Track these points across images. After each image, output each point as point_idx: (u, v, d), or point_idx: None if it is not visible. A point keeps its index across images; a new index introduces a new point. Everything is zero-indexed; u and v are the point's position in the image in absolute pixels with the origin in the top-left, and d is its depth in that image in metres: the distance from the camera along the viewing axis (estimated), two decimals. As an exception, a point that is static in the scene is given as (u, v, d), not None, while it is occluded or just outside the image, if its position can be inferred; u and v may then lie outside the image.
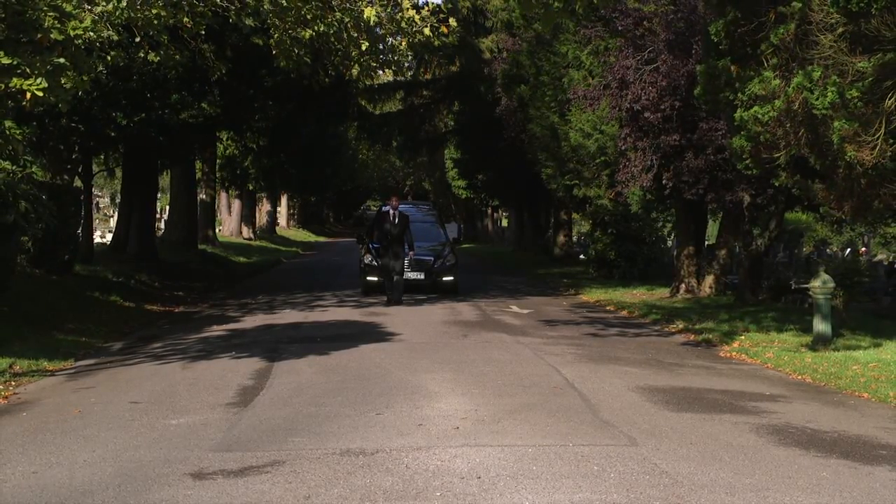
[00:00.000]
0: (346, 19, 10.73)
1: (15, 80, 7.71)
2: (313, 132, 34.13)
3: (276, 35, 11.27)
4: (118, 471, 6.07)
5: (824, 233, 39.63)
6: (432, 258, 20.22)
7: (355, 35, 10.99)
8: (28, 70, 7.79)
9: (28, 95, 7.87)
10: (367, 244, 20.21)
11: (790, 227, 28.69)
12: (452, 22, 11.15)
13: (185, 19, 10.57)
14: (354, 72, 12.09)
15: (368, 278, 19.62)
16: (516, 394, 8.80)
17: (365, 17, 10.40)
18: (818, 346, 11.87)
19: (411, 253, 18.34)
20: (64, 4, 8.27)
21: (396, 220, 18.27)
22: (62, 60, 8.11)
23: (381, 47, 12.04)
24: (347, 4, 10.64)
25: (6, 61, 7.57)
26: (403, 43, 11.48)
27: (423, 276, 19.78)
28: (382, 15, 10.45)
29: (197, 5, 10.60)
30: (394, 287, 17.72)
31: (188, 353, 11.42)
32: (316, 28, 10.87)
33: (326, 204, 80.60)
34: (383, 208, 20.59)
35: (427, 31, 10.83)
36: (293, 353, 11.24)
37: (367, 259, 19.74)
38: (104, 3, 8.98)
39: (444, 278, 20.09)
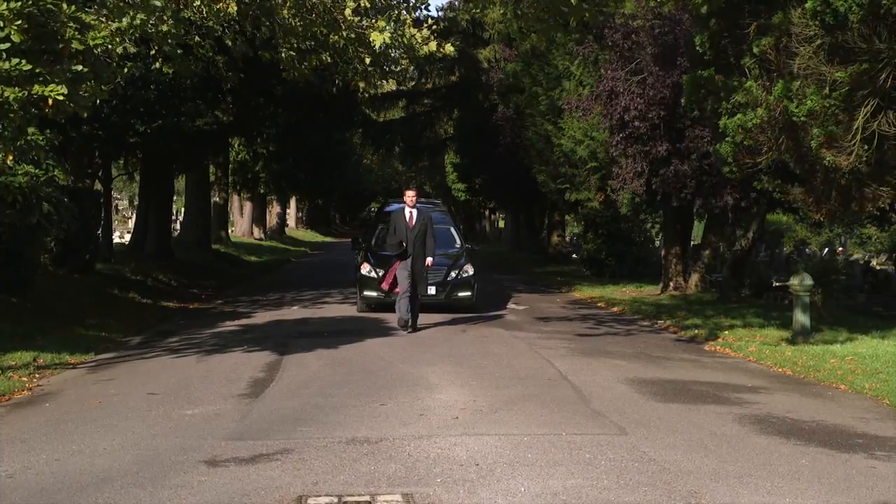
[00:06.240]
0: (352, 35, 10.72)
1: (36, 87, 7.71)
2: (320, 138, 34.13)
3: (283, 52, 11.28)
4: (136, 458, 6.07)
5: (804, 233, 39.59)
6: (446, 268, 15.63)
7: (361, 50, 10.98)
8: (49, 78, 7.79)
9: (49, 102, 7.87)
10: (364, 250, 16.44)
11: (771, 228, 28.72)
12: (449, 47, 11.12)
13: (195, 39, 10.59)
14: (361, 85, 12.09)
15: (367, 293, 15.38)
16: (512, 385, 8.80)
17: (372, 40, 10.36)
18: (798, 341, 11.87)
19: (430, 260, 13.44)
20: (84, 16, 8.27)
21: (414, 221, 13.31)
22: (81, 68, 8.10)
23: (383, 60, 12.02)
24: (354, 24, 10.62)
25: (27, 68, 7.57)
26: (405, 60, 11.47)
27: (433, 292, 15.09)
28: (388, 41, 10.41)
29: (206, 23, 10.61)
30: (411, 308, 13.06)
31: (203, 347, 11.42)
32: (323, 53, 10.91)
33: (333, 206, 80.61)
34: (387, 208, 16.93)
35: (426, 48, 10.82)
36: (302, 347, 11.23)
37: (366, 269, 15.43)
38: (119, 21, 8.97)
39: (460, 293, 15.71)
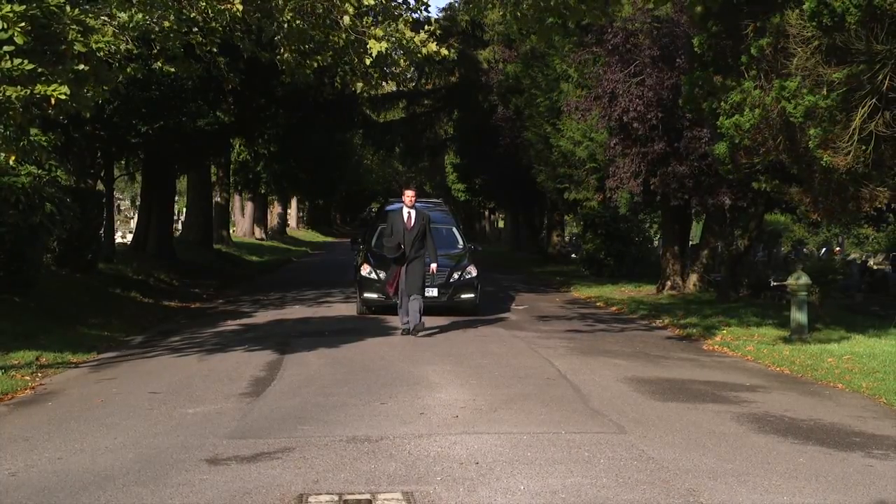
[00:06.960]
0: (352, 38, 10.71)
1: (39, 86, 7.71)
2: (321, 139, 34.18)
3: (284, 54, 11.28)
4: (138, 457, 6.07)
5: (801, 233, 39.63)
6: (448, 269, 15.16)
7: (361, 52, 10.97)
8: (51, 77, 7.79)
9: (52, 101, 7.86)
10: (364, 251, 16.13)
11: (769, 227, 28.71)
12: (443, 52, 11.11)
13: (199, 38, 10.57)
14: (359, 86, 12.08)
15: (367, 295, 15.06)
16: (512, 384, 8.80)
17: (369, 47, 10.32)
18: (795, 340, 11.87)
19: (434, 266, 13.11)
20: (87, 19, 8.27)
21: (413, 221, 12.77)
22: (83, 67, 8.10)
23: (383, 62, 11.99)
24: (355, 27, 10.61)
25: (29, 67, 7.57)
26: (404, 62, 11.45)
27: (435, 294, 14.75)
28: (385, 51, 10.39)
29: (209, 22, 10.59)
30: (410, 311, 12.58)
31: (204, 347, 11.42)
32: (323, 55, 10.91)
33: (334, 206, 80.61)
34: (388, 207, 16.15)
35: (425, 50, 10.81)
36: (303, 346, 11.23)
37: (366, 270, 15.12)
38: (121, 16, 8.97)
39: (463, 296, 15.25)
